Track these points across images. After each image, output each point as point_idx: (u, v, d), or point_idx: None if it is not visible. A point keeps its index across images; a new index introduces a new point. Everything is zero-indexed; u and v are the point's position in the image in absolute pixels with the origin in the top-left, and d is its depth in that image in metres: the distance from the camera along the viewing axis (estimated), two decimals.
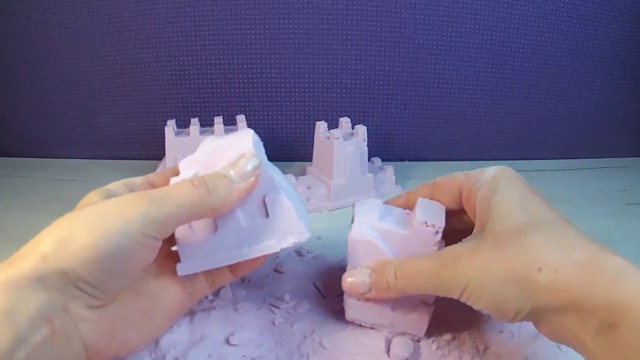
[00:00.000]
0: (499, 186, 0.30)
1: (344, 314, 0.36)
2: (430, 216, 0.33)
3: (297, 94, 0.69)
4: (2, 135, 0.74)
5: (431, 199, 0.35)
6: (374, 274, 0.33)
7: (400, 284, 0.31)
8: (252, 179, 0.29)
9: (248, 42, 0.66)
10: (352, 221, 0.35)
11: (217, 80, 0.68)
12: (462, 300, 0.29)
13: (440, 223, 0.33)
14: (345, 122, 0.60)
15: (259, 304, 0.39)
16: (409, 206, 0.36)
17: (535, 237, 0.27)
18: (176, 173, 0.32)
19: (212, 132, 0.58)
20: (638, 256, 0.48)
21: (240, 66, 0.67)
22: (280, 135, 0.71)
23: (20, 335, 0.22)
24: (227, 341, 0.35)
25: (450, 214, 0.35)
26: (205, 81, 0.68)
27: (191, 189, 0.28)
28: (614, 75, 0.73)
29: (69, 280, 0.24)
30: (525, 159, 0.74)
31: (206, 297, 0.39)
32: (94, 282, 0.25)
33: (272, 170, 0.33)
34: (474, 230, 0.31)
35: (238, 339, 0.35)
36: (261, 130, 0.71)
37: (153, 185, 0.33)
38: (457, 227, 0.36)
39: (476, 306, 0.28)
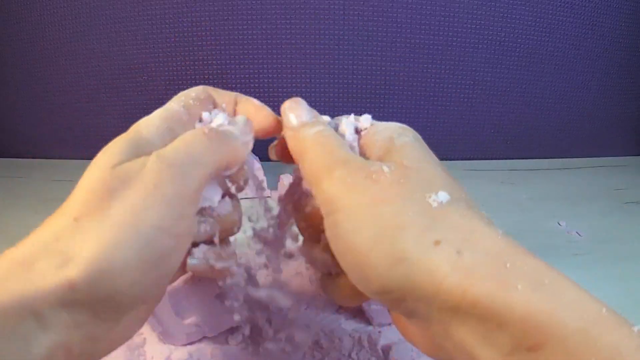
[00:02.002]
0: (408, 133, 0.26)
1: (341, 313, 0.37)
2: None
3: (293, 94, 0.69)
4: (0, 136, 0.74)
5: None
6: None
7: (308, 140, 0.25)
8: (252, 134, 0.27)
9: (245, 42, 0.66)
10: None
11: (214, 81, 0.68)
12: (325, 225, 0.22)
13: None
14: None
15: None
16: None
17: (448, 205, 0.20)
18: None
19: None
20: (635, 255, 0.49)
21: (237, 67, 0.67)
22: (278, 135, 0.72)
23: None
24: (227, 341, 0.35)
25: None
26: (202, 81, 0.68)
27: (205, 141, 0.24)
28: (610, 74, 0.73)
29: (103, 309, 0.20)
30: (522, 158, 0.74)
31: None
32: (134, 303, 0.21)
33: None
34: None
35: (237, 338, 0.35)
36: None
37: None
38: None
39: (334, 244, 0.22)
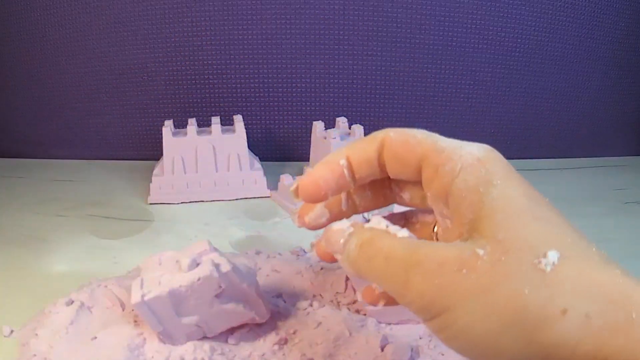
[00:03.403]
0: (494, 176, 0.22)
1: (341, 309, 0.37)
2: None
3: (294, 94, 0.69)
4: (0, 136, 0.74)
5: (378, 162, 0.25)
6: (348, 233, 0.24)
7: (359, 262, 0.23)
8: None
9: (245, 42, 0.66)
10: None
11: (215, 81, 0.68)
12: (429, 327, 0.21)
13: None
14: (342, 121, 0.60)
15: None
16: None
17: (561, 264, 0.19)
18: None
19: (210, 132, 0.58)
20: (634, 255, 0.49)
21: (238, 66, 0.67)
22: (277, 135, 0.72)
23: None
24: (227, 341, 0.35)
25: (392, 186, 0.27)
26: (202, 81, 0.68)
27: None
28: (610, 74, 0.73)
29: None
30: (522, 158, 0.74)
31: None
32: None
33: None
34: (457, 230, 0.22)
35: (238, 338, 0.35)
36: (258, 130, 0.71)
37: None
38: (405, 201, 0.27)
39: (451, 344, 0.20)
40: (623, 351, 0.17)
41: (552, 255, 0.19)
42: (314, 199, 0.26)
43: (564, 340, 0.18)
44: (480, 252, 0.20)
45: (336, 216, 0.28)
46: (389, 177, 0.26)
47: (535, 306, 0.18)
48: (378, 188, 0.28)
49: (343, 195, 0.28)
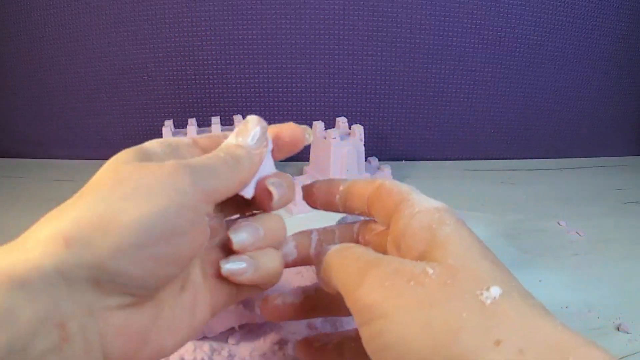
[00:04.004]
0: (447, 219, 0.24)
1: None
2: None
3: (294, 94, 0.69)
4: (0, 136, 0.74)
5: (368, 200, 0.29)
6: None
7: (332, 260, 0.25)
8: (265, 143, 0.26)
9: (245, 42, 0.66)
10: None
11: (215, 81, 0.68)
12: (363, 334, 0.21)
13: None
14: (342, 121, 0.60)
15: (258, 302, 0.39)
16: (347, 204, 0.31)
17: (501, 300, 0.20)
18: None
19: (209, 132, 0.58)
20: (634, 255, 0.49)
21: (238, 66, 0.67)
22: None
23: (16, 343, 0.16)
24: (227, 341, 0.35)
25: (359, 238, 0.31)
26: (202, 81, 0.68)
27: (223, 161, 0.24)
28: (610, 74, 0.73)
29: (102, 273, 0.19)
30: (522, 158, 0.74)
31: None
32: (136, 275, 0.19)
33: None
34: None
35: (238, 338, 0.35)
36: None
37: (201, 149, 0.27)
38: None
39: (380, 356, 0.21)
40: None
41: (495, 291, 0.20)
42: (310, 202, 0.32)
43: None
44: (430, 271, 0.21)
45: (301, 306, 0.31)
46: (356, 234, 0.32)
47: (470, 331, 0.19)
48: (347, 238, 0.32)
49: (314, 238, 0.32)
